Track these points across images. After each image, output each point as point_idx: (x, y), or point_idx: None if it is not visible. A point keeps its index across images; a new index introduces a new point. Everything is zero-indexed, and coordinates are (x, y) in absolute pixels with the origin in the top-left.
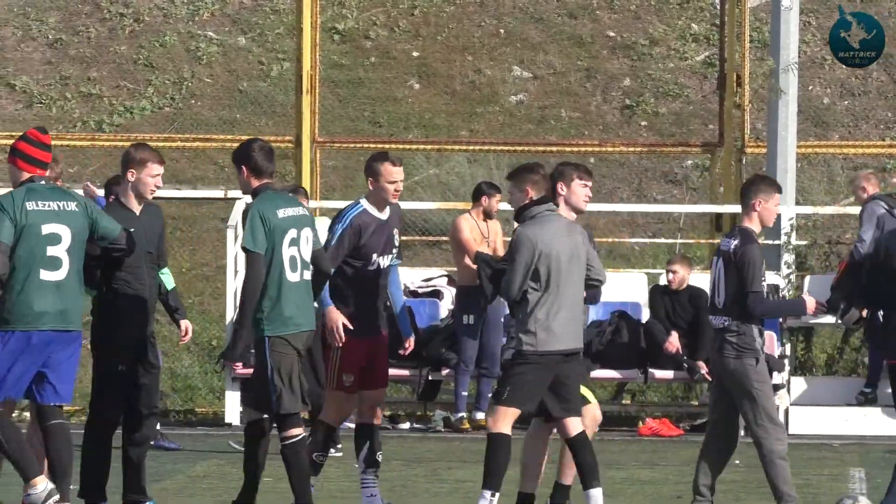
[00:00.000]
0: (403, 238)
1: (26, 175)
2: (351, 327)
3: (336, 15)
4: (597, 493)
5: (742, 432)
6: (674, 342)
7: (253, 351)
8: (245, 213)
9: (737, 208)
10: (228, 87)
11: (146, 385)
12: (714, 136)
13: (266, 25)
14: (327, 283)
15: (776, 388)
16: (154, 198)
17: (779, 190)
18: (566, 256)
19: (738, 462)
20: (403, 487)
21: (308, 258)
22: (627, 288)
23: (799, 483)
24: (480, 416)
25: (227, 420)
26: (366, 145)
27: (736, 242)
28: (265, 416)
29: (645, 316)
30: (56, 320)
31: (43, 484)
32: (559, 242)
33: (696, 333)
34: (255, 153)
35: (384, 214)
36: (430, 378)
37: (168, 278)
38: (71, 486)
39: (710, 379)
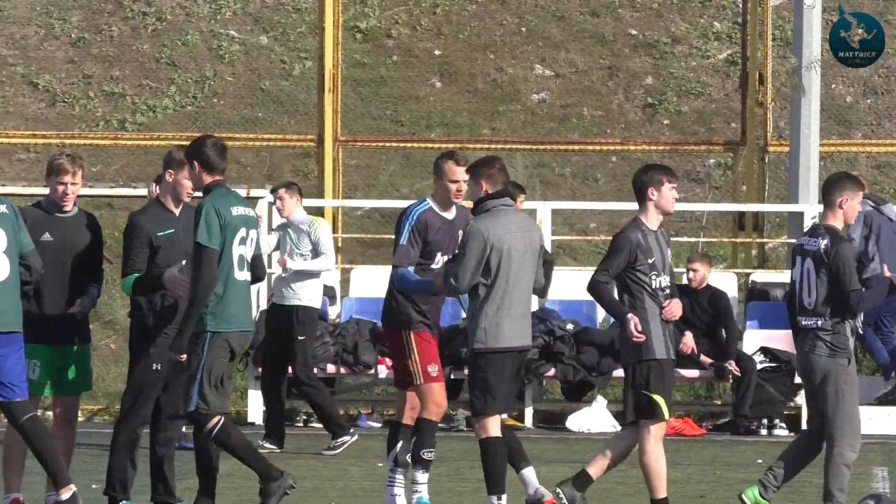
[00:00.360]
0: None
1: None
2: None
3: (358, 13)
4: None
5: (764, 431)
6: (688, 343)
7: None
8: (197, 211)
9: (759, 207)
10: (250, 86)
11: (175, 385)
12: (736, 135)
13: (288, 24)
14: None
15: (799, 387)
16: None
17: (862, 187)
18: (518, 252)
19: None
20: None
21: (250, 258)
22: None
23: (821, 482)
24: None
25: (249, 419)
26: (388, 144)
27: (826, 242)
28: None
29: None
30: None
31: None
32: (511, 237)
33: (714, 334)
34: (208, 149)
35: (450, 214)
36: (452, 377)
37: None
38: (75, 488)
39: (737, 373)
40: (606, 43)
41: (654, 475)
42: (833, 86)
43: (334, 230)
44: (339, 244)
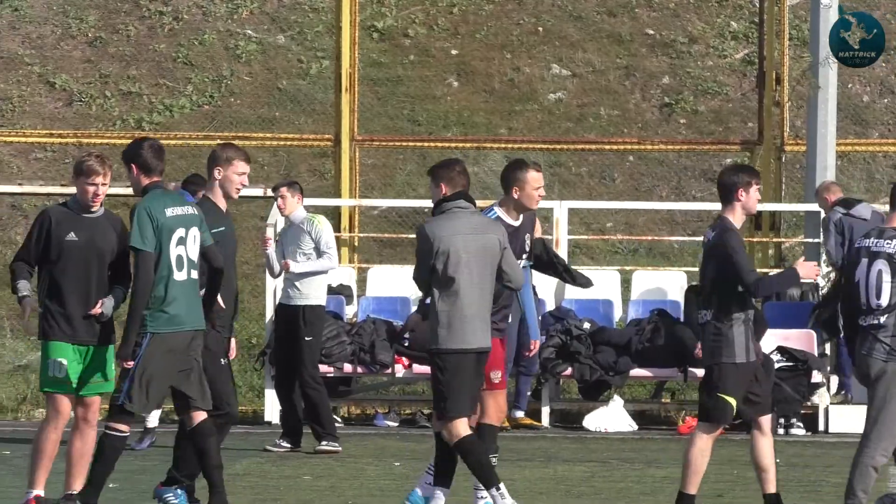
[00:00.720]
0: None
1: None
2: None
3: (375, 13)
4: None
5: (781, 430)
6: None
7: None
8: (132, 212)
9: (775, 206)
10: (267, 86)
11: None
12: (753, 134)
13: (305, 24)
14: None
15: (816, 386)
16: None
17: None
18: (470, 253)
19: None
20: None
21: (195, 257)
22: (667, 286)
23: (838, 481)
24: (520, 414)
25: (266, 418)
26: (404, 143)
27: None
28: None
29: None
30: None
31: None
32: (461, 239)
33: None
34: (145, 151)
35: (517, 221)
36: None
37: None
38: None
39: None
40: (623, 42)
41: (692, 471)
42: (850, 85)
43: (350, 229)
44: (356, 243)
